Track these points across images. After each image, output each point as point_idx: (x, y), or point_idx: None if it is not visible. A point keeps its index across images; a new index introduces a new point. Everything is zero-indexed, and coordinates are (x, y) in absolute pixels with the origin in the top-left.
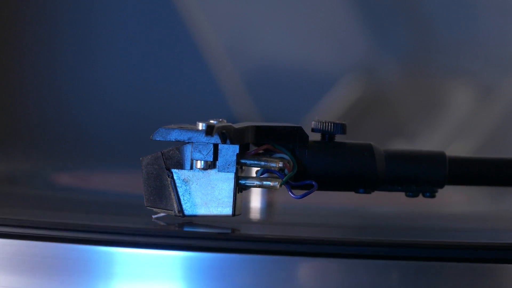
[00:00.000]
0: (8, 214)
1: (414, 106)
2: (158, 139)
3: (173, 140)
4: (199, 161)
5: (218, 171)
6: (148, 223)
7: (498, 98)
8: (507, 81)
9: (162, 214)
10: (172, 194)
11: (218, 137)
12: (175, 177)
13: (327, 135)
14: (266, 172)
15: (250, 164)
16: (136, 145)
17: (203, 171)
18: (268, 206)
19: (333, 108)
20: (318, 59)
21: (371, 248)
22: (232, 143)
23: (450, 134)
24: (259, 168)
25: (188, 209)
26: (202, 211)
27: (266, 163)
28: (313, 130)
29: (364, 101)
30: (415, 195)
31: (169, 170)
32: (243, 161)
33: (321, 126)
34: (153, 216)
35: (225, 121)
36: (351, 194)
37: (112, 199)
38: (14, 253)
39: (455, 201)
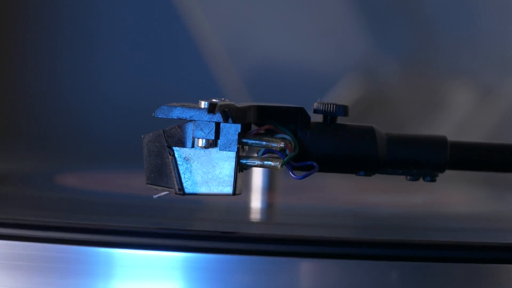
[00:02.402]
0: (8, 214)
1: (414, 106)
2: (160, 116)
3: (175, 118)
4: (200, 139)
5: (220, 149)
6: (148, 224)
7: (498, 98)
8: (507, 81)
9: (163, 193)
10: (173, 172)
11: (220, 116)
12: (176, 155)
13: (329, 116)
14: (267, 152)
15: (252, 143)
16: (136, 145)
17: (204, 149)
18: (268, 206)
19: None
20: (318, 59)
21: (371, 248)
22: (234, 122)
23: (450, 134)
24: (260, 148)
25: (188, 187)
26: (202, 189)
27: (267, 143)
28: (315, 111)
29: (364, 101)
30: (415, 179)
31: (170, 148)
32: (244, 140)
33: (323, 108)
34: (154, 196)
35: (227, 100)
36: (351, 194)
37: (112, 199)
38: (14, 253)
39: (455, 201)
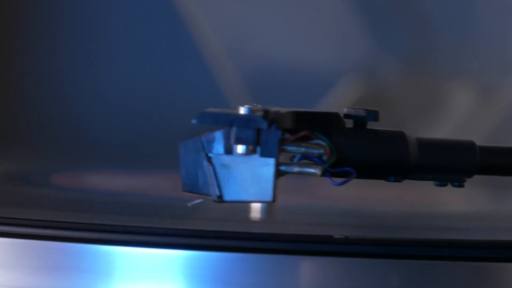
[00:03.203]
0: (8, 214)
1: (414, 107)
2: (200, 123)
3: (216, 124)
4: (240, 146)
5: (260, 156)
6: (148, 223)
7: (498, 98)
8: (507, 81)
9: (198, 201)
10: (211, 180)
11: (262, 122)
12: (214, 162)
13: (360, 122)
14: (302, 158)
15: (290, 150)
16: (136, 145)
17: (243, 156)
18: (269, 205)
19: (333, 108)
20: (318, 59)
21: (371, 247)
22: (278, 128)
23: (450, 134)
24: (295, 155)
25: (227, 195)
26: (241, 196)
27: (306, 149)
28: (345, 116)
29: (364, 101)
30: (443, 184)
31: (208, 155)
32: (283, 147)
33: (355, 113)
34: (189, 204)
35: (259, 105)
36: (351, 194)
37: (112, 199)
38: (14, 252)
39: (455, 201)
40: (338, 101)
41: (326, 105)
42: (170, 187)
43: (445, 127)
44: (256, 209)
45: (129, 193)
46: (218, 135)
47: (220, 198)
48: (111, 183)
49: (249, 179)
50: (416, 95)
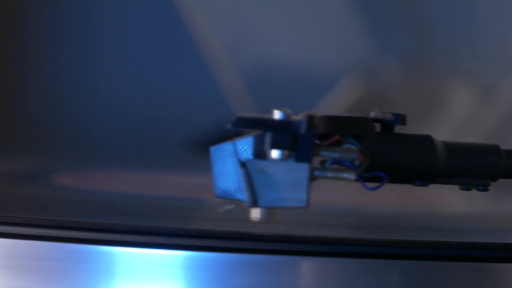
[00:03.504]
0: (8, 214)
1: (414, 106)
2: (235, 127)
3: (251, 129)
4: (275, 151)
5: (295, 161)
6: (148, 223)
7: (498, 98)
8: (507, 81)
9: (230, 206)
10: (245, 185)
11: (301, 127)
12: (249, 167)
13: (387, 125)
14: (334, 163)
15: (324, 155)
16: (136, 145)
17: (278, 161)
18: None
19: (333, 108)
20: (318, 59)
21: (371, 247)
22: (316, 132)
23: (450, 134)
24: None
25: (262, 200)
26: (276, 202)
27: (340, 154)
28: (373, 120)
29: (364, 101)
30: (469, 188)
31: (242, 160)
32: (318, 151)
33: (382, 116)
34: (220, 210)
35: (289, 110)
36: (351, 194)
37: (112, 199)
38: (14, 253)
39: (455, 201)
40: (338, 101)
41: (326, 105)
42: (170, 187)
43: (445, 127)
44: (255, 209)
45: (129, 193)
46: (252, 140)
47: (254, 204)
48: (111, 183)
49: (283, 184)
50: (416, 95)
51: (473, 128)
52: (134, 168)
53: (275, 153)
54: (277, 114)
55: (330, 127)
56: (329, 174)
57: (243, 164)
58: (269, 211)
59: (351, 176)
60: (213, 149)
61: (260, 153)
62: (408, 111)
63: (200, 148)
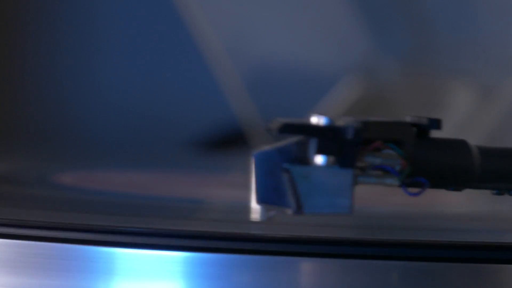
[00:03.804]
0: (8, 214)
1: (414, 106)
2: (282, 133)
3: (298, 134)
4: (320, 157)
5: (340, 167)
6: (148, 223)
7: (498, 98)
8: (507, 81)
9: (273, 213)
10: (290, 191)
11: (349, 133)
12: (293, 174)
13: (422, 130)
14: (376, 169)
15: (367, 160)
16: (136, 145)
17: (322, 167)
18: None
19: (333, 108)
20: (318, 59)
21: (371, 248)
22: (363, 138)
23: (450, 134)
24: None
25: (307, 207)
26: (321, 209)
27: (383, 160)
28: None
29: (364, 101)
30: (501, 193)
31: (286, 165)
32: (362, 157)
33: (418, 121)
34: (262, 218)
35: (326, 115)
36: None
37: (112, 199)
38: (14, 253)
39: (455, 201)
40: (338, 101)
41: (326, 105)
42: (170, 187)
43: (445, 127)
44: (255, 209)
45: (129, 193)
46: (297, 145)
47: (299, 211)
48: (111, 183)
49: (327, 190)
50: (416, 95)
51: (473, 128)
52: (134, 168)
53: (320, 159)
54: (321, 120)
55: (375, 132)
56: (373, 180)
57: (287, 170)
58: (268, 211)
59: (395, 182)
60: (256, 155)
61: (303, 159)
62: (408, 111)
63: (200, 148)
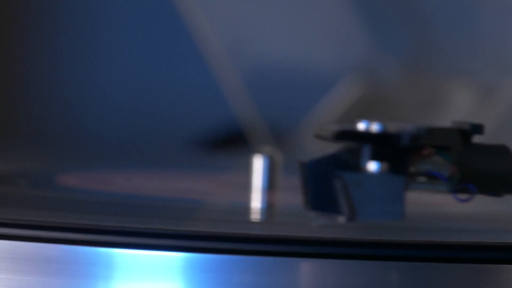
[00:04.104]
0: (8, 214)
1: (414, 106)
2: (338, 141)
3: (353, 142)
4: (373, 164)
5: (392, 174)
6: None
7: (498, 98)
8: (507, 81)
9: (324, 221)
10: (342, 199)
11: (404, 140)
12: (346, 181)
13: (464, 135)
14: (426, 175)
15: (418, 167)
16: (136, 145)
17: (375, 174)
18: (268, 206)
19: (333, 108)
20: (318, 59)
21: (371, 248)
22: (416, 144)
23: None
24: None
25: (360, 214)
26: (373, 215)
27: (433, 166)
28: None
29: (364, 101)
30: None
31: (338, 173)
32: (413, 163)
33: (460, 126)
34: (313, 225)
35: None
36: None
37: (112, 199)
38: (14, 253)
39: (455, 201)
40: (338, 101)
41: (326, 105)
42: (170, 188)
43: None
44: (255, 210)
45: (129, 193)
46: (349, 152)
47: (353, 218)
48: (111, 183)
49: (380, 197)
50: (416, 95)
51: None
52: (134, 168)
53: (373, 166)
54: (374, 126)
55: (424, 139)
56: (424, 186)
57: (340, 178)
58: (269, 210)
59: (445, 188)
60: (308, 163)
61: (356, 166)
62: (408, 111)
63: (200, 147)
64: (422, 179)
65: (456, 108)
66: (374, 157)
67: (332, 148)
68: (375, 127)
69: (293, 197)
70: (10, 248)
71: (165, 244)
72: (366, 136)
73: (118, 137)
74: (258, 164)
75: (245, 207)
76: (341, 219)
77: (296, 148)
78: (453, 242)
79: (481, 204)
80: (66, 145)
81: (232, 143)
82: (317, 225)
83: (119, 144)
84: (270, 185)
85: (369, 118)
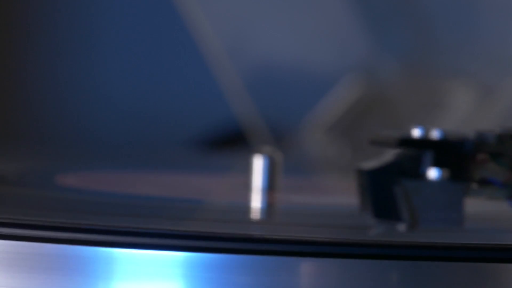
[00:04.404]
0: (8, 214)
1: (414, 106)
2: (401, 147)
3: (417, 148)
4: (434, 171)
5: (452, 181)
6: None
7: (498, 98)
8: (507, 81)
9: (385, 228)
10: (403, 206)
11: (468, 147)
12: (407, 188)
13: None
14: (483, 182)
15: (477, 173)
16: (136, 145)
17: (436, 180)
18: (268, 206)
19: (333, 108)
20: (319, 59)
21: (371, 248)
22: (477, 151)
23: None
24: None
25: (421, 221)
26: (434, 223)
27: (491, 173)
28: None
29: (364, 101)
30: (494, 197)
31: (400, 180)
32: (469, 170)
33: (507, 132)
34: (374, 232)
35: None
36: (351, 194)
37: (112, 199)
38: (14, 253)
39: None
40: (338, 101)
41: (326, 105)
42: (170, 187)
43: (445, 127)
44: (255, 210)
45: (129, 193)
46: (410, 159)
47: (413, 225)
48: (111, 183)
49: (440, 204)
50: (416, 95)
51: (473, 129)
52: (134, 168)
53: (433, 173)
54: (434, 133)
55: (497, 147)
56: (483, 193)
57: (401, 185)
58: (269, 210)
59: (501, 195)
60: (369, 171)
61: (416, 173)
62: (408, 111)
63: (200, 148)
64: (478, 185)
65: (456, 108)
66: (437, 164)
67: (388, 154)
68: (435, 134)
69: (293, 197)
70: (10, 248)
71: (165, 244)
72: (427, 143)
73: (118, 137)
74: (258, 164)
75: (245, 207)
76: (402, 227)
77: (296, 148)
78: (453, 242)
79: (481, 204)
80: (67, 145)
81: (232, 143)
82: (376, 233)
83: (119, 144)
84: (270, 185)
85: (369, 118)
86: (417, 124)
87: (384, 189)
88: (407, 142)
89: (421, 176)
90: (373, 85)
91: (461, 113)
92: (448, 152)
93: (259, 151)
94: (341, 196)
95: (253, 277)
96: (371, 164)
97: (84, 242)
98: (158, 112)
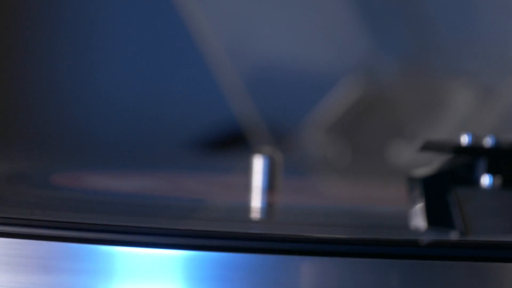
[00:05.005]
0: (8, 214)
1: (414, 107)
2: (457, 154)
3: (469, 155)
4: (487, 178)
5: (504, 187)
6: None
7: (498, 98)
8: (507, 81)
9: (437, 236)
10: (456, 213)
11: None
12: (458, 195)
13: None
14: None
15: None
16: (136, 145)
17: (488, 188)
18: (268, 206)
19: (333, 108)
20: (318, 59)
21: (371, 247)
22: None
23: (450, 135)
24: None
25: (474, 230)
26: (486, 230)
27: None
28: None
29: (364, 102)
30: None
31: (453, 188)
32: None
33: None
34: (425, 239)
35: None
36: (351, 194)
37: (112, 199)
38: (14, 252)
39: None
40: (338, 101)
41: (326, 106)
42: (170, 187)
43: (445, 127)
44: (255, 209)
45: (129, 193)
46: (462, 166)
47: (467, 233)
48: (111, 184)
49: (493, 212)
50: (416, 95)
51: (473, 129)
52: (135, 168)
53: (486, 180)
54: (486, 140)
55: None
56: None
57: (453, 192)
58: (269, 210)
59: None
60: (423, 179)
61: (468, 180)
62: (408, 111)
63: (200, 148)
64: None
65: (456, 108)
66: (490, 171)
67: (441, 162)
68: (488, 141)
69: (293, 197)
70: (9, 246)
71: (165, 242)
72: (481, 150)
73: (118, 138)
74: (258, 165)
75: (246, 207)
76: (455, 234)
77: (296, 148)
78: (453, 241)
79: None
80: (65, 146)
81: (232, 143)
82: (428, 241)
83: (119, 145)
84: (270, 185)
85: (369, 118)
86: (418, 124)
87: (437, 196)
88: (461, 149)
89: (474, 183)
90: (373, 86)
91: (461, 113)
92: (501, 159)
93: (259, 151)
94: (341, 196)
95: (253, 275)
96: (423, 171)
97: (84, 240)
98: (158, 112)
